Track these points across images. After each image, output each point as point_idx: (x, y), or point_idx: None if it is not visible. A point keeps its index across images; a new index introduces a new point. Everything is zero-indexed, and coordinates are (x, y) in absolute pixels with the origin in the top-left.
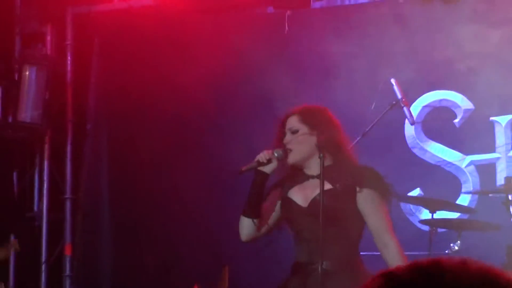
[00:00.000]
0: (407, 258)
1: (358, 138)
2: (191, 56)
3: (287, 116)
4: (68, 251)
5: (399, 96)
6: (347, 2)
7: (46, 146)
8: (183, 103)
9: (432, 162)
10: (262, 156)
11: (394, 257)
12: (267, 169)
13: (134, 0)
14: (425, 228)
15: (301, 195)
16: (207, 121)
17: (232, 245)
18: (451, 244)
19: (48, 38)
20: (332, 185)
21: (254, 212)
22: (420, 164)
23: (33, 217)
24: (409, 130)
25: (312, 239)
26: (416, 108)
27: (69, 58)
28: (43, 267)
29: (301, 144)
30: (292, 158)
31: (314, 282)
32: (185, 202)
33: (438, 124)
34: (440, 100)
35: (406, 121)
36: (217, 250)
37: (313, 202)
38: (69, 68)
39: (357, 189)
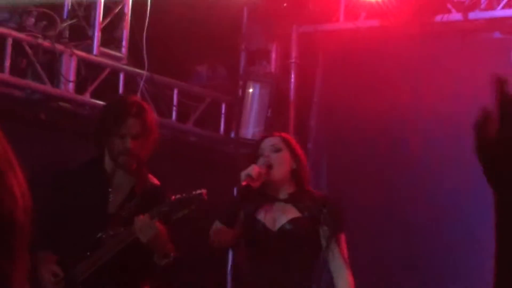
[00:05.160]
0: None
1: None
2: (414, 78)
3: (266, 137)
4: None
5: None
6: None
7: None
8: (404, 125)
9: None
10: (255, 172)
11: (346, 282)
12: (256, 183)
13: (360, 21)
14: None
15: (269, 218)
16: (428, 144)
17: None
18: None
19: (273, 55)
20: (301, 213)
21: (231, 222)
22: None
23: None
24: None
25: (275, 262)
26: None
27: (292, 76)
28: None
29: (282, 164)
30: (275, 175)
31: None
32: (407, 223)
33: None
34: None
35: None
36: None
37: (283, 227)
38: (292, 86)
39: (320, 223)
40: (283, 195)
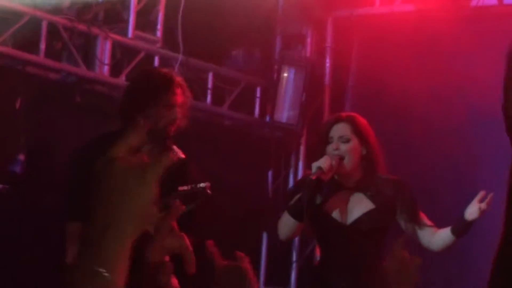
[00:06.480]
0: None
1: None
2: (449, 63)
3: (335, 122)
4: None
5: None
6: None
7: (302, 148)
8: (437, 110)
9: None
10: (326, 164)
11: (442, 231)
12: (326, 176)
13: (396, 5)
14: None
15: (338, 210)
16: (465, 129)
17: None
18: None
19: (308, 40)
20: (373, 204)
21: (301, 215)
22: None
23: None
24: None
25: (347, 252)
26: None
27: (328, 60)
28: (294, 265)
29: (352, 154)
30: (346, 166)
31: None
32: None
33: None
34: None
35: None
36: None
37: (357, 221)
38: (327, 70)
39: (397, 211)
40: (351, 182)
